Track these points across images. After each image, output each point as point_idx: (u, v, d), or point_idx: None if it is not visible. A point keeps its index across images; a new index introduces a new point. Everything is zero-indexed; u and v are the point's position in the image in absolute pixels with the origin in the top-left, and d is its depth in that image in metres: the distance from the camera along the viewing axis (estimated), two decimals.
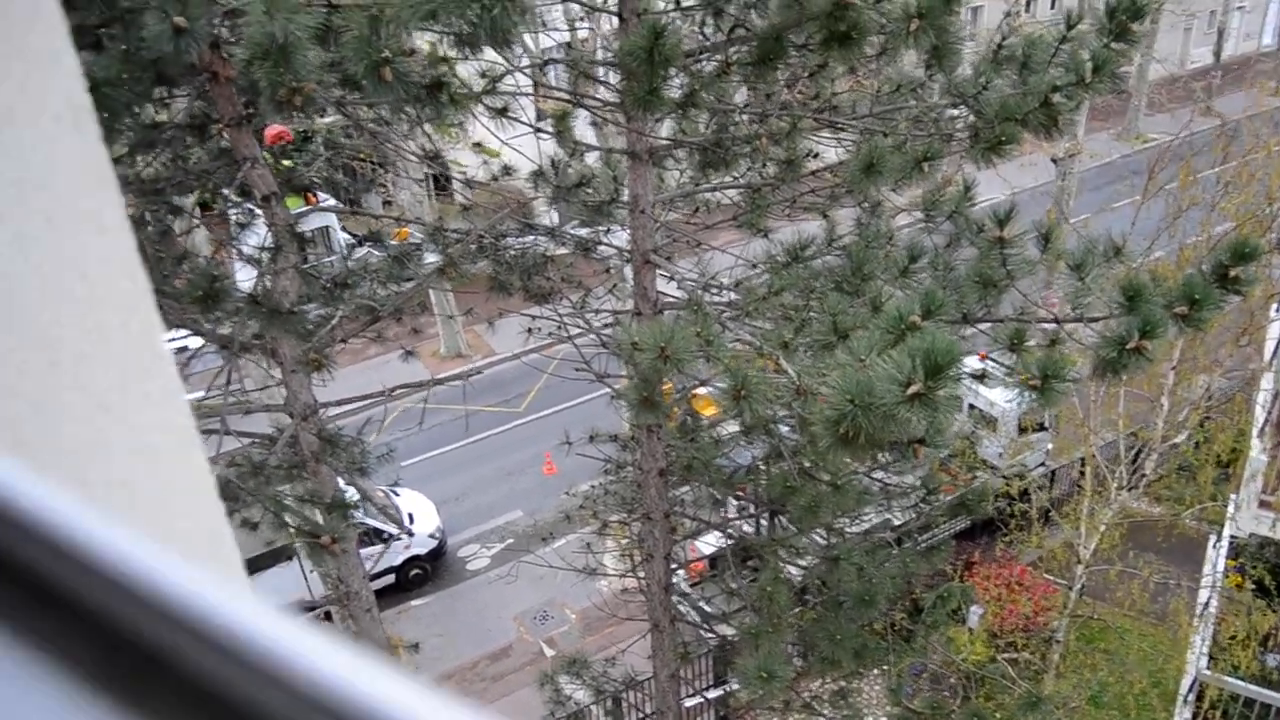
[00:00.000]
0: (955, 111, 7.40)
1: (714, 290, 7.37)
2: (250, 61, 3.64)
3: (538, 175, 6.84)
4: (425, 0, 3.68)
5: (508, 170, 7.33)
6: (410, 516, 15.94)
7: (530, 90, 6.46)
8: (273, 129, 8.63)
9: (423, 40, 4.24)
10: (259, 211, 6.66)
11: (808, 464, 8.77)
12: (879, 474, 10.20)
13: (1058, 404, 6.57)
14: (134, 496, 1.04)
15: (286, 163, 9.01)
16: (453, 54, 4.68)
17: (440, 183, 18.73)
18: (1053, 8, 33.21)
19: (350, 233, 9.12)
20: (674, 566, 10.00)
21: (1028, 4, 34.10)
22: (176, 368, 1.06)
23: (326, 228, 11.27)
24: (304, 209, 9.89)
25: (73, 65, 0.82)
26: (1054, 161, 19.67)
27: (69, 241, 0.86)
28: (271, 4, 3.57)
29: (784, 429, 8.90)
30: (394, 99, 3.86)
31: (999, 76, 7.08)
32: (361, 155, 9.28)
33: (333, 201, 10.25)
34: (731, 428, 9.81)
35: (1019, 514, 14.85)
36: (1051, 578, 15.10)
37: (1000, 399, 15.93)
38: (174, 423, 1.04)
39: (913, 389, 4.63)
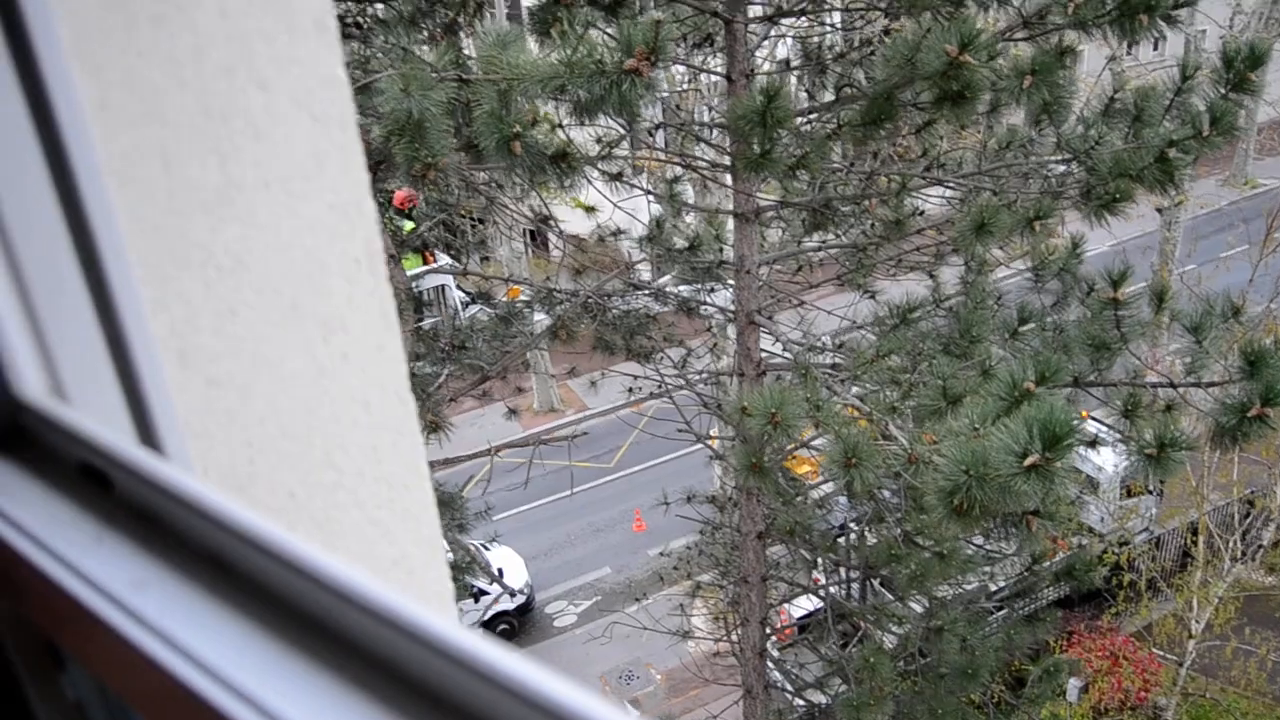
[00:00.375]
0: (1066, 167, 7.27)
1: (818, 351, 7.33)
2: (387, 137, 3.76)
3: (648, 240, 6.91)
4: (555, 75, 3.77)
5: (618, 233, 7.42)
6: (500, 571, 15.99)
7: (641, 154, 6.56)
8: (401, 192, 8.86)
9: (538, 103, 4.33)
10: None
11: (911, 530, 8.60)
12: (981, 538, 9.94)
13: (1174, 473, 6.36)
14: None
15: (408, 224, 9.24)
16: (568, 120, 4.77)
17: (536, 238, 18.99)
18: (1156, 49, 32.50)
19: (464, 290, 9.29)
20: (768, 631, 9.84)
21: (1129, 47, 33.31)
22: (429, 479, 1.09)
23: (443, 286, 11.51)
24: (422, 269, 10.12)
25: (372, 213, 0.86)
26: (1159, 211, 19.09)
27: (359, 375, 0.89)
28: (409, 82, 3.69)
29: (885, 493, 8.75)
30: (523, 170, 3.95)
31: (1111, 130, 6.96)
32: (463, 212, 9.48)
33: (448, 261, 10.46)
34: (826, 487, 9.68)
35: (1125, 584, 14.27)
36: (1159, 652, 14.46)
37: (1105, 461, 15.36)
38: (427, 536, 1.07)
39: (1030, 460, 4.51)
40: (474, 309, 7.41)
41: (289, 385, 0.85)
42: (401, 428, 0.98)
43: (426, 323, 6.80)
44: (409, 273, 6.98)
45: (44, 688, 0.71)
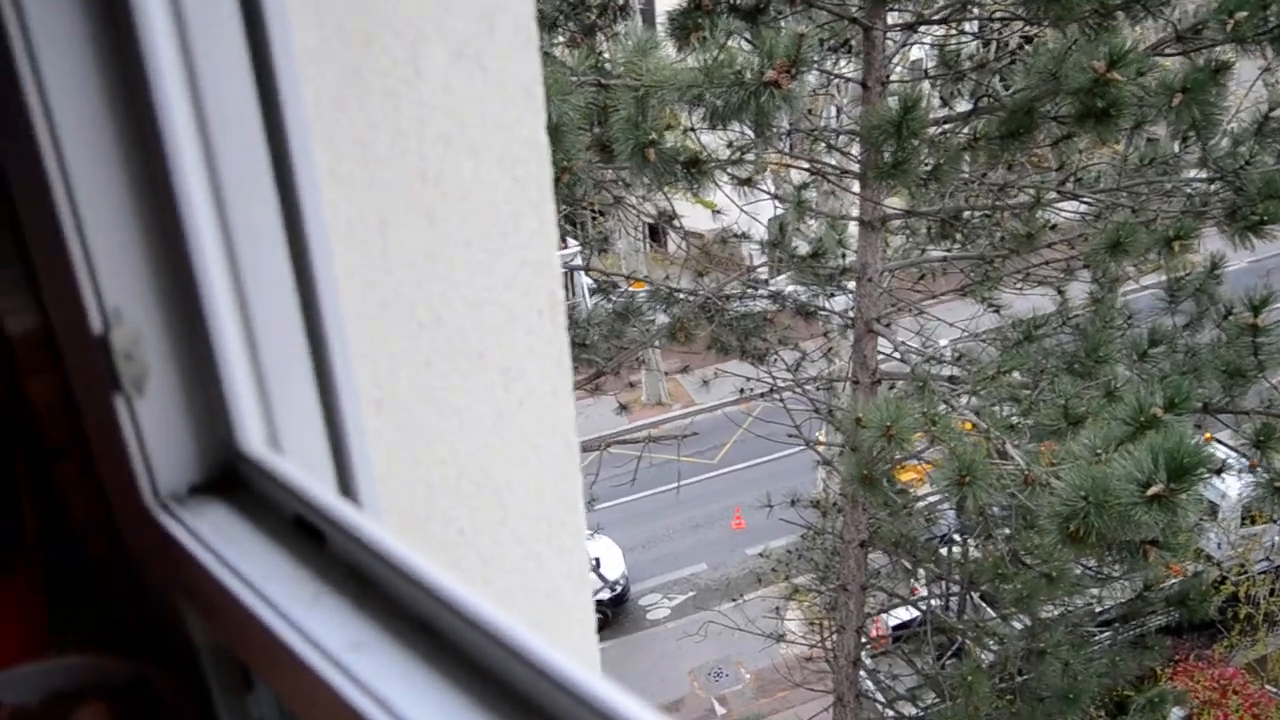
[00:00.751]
0: (1210, 186, 6.98)
1: (937, 362, 7.19)
2: None
3: (773, 245, 6.88)
4: (693, 84, 3.78)
5: (741, 236, 7.40)
6: (597, 561, 16.13)
7: (770, 159, 6.53)
8: None
9: (673, 110, 4.34)
10: None
11: (1020, 548, 8.39)
12: (1093, 561, 9.64)
13: None
14: (541, 635, 1.10)
15: None
16: (700, 124, 4.77)
17: (656, 234, 19.04)
18: None
19: (592, 278, 9.37)
20: (863, 640, 9.73)
21: None
22: (584, 515, 1.12)
23: (570, 272, 11.58)
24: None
25: (557, 267, 0.89)
26: None
27: (533, 419, 0.92)
28: (548, 86, 3.74)
29: (995, 509, 8.55)
30: (654, 174, 3.97)
31: (1263, 149, 6.66)
32: (586, 205, 9.57)
33: (577, 248, 10.48)
34: (933, 496, 9.51)
35: (1242, 615, 13.68)
36: (1272, 689, 13.82)
37: (1228, 486, 14.72)
38: (577, 569, 1.10)
39: (1153, 490, 4.36)
40: (598, 299, 7.46)
41: (470, 430, 0.88)
42: (565, 469, 1.01)
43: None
44: None
45: (236, 712, 0.76)
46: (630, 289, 7.21)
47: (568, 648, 1.17)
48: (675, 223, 7.23)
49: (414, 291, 0.78)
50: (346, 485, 0.75)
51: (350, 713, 0.56)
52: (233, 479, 0.70)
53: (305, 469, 0.73)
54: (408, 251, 0.76)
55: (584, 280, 7.15)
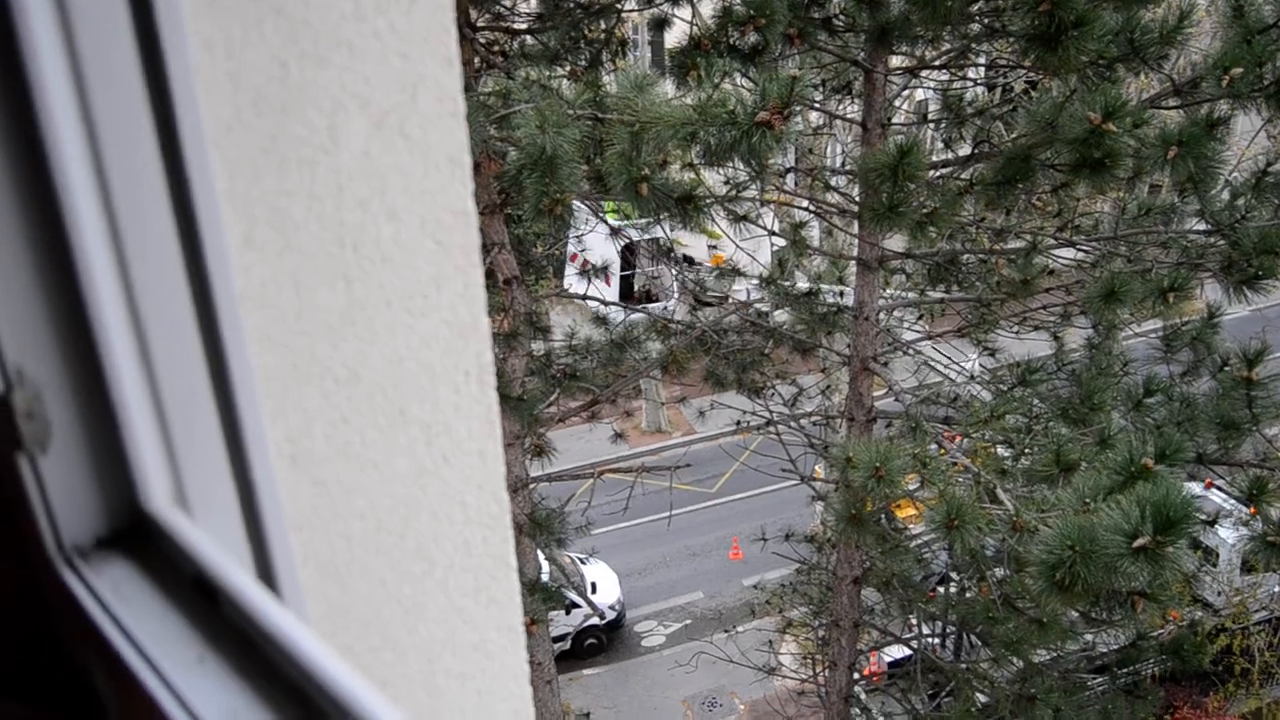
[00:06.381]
0: (1207, 238, 6.99)
1: (931, 402, 7.20)
2: (520, 169, 3.85)
3: (768, 282, 6.91)
4: (687, 122, 3.81)
5: (737, 272, 7.44)
6: (593, 586, 16.08)
7: (768, 196, 6.56)
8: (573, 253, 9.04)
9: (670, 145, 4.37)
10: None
11: (1011, 592, 8.35)
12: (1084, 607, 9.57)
13: None
14: (468, 687, 1.12)
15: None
16: (698, 160, 4.80)
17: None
18: None
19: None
20: (855, 676, 9.69)
21: None
22: (517, 573, 1.12)
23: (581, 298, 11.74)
24: (549, 293, 10.31)
25: (485, 330, 0.90)
26: None
27: (458, 476, 0.94)
28: (544, 119, 3.78)
29: (988, 551, 8.52)
30: (649, 211, 4.00)
31: (1260, 204, 6.68)
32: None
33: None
34: (927, 535, 9.48)
35: (1237, 671, 13.56)
36: None
37: (1226, 533, 14.63)
38: (508, 622, 1.11)
39: (1139, 542, 4.35)
40: (587, 331, 7.49)
41: (390, 484, 0.89)
42: (494, 524, 1.02)
43: (539, 347, 6.90)
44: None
45: None
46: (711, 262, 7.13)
47: (500, 700, 1.18)
48: (673, 255, 7.28)
49: (330, 350, 0.79)
50: (258, 539, 0.76)
51: None
52: (138, 535, 0.71)
53: (214, 524, 0.74)
54: (324, 312, 0.78)
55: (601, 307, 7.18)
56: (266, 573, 0.76)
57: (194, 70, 0.66)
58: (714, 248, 8.14)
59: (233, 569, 0.64)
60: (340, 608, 0.88)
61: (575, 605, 14.49)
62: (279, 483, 0.78)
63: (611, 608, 16.37)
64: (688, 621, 16.80)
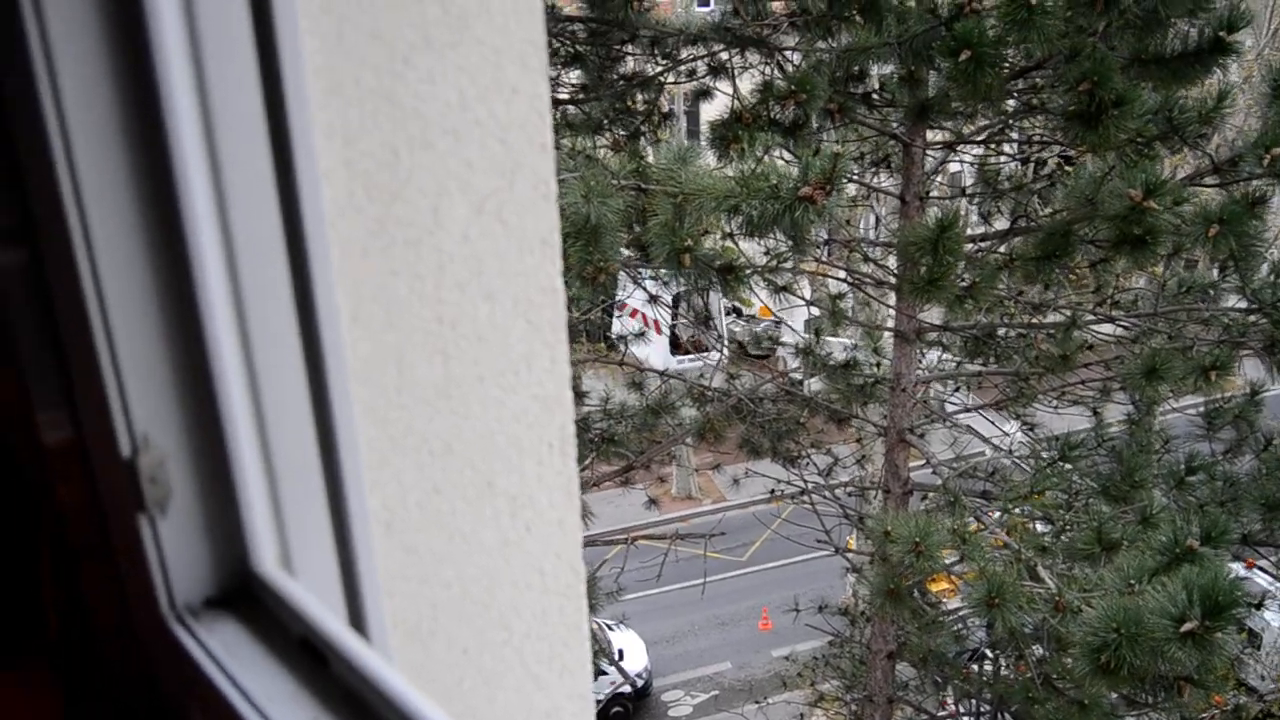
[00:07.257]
0: (1250, 316, 6.95)
1: (969, 476, 7.14)
2: (564, 237, 3.92)
3: (805, 353, 6.94)
4: (730, 195, 3.88)
5: (776, 341, 7.48)
6: (621, 653, 15.89)
7: (806, 267, 6.62)
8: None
9: (713, 218, 4.44)
10: None
11: (1051, 673, 8.19)
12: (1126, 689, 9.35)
13: None
14: None
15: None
16: (737, 232, 4.86)
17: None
18: None
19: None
20: None
21: None
22: (589, 639, 1.14)
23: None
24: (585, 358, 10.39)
25: (569, 403, 0.93)
26: None
27: (539, 545, 0.96)
28: (589, 188, 3.85)
29: (1026, 629, 8.37)
30: (690, 280, 4.05)
31: None
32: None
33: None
34: (962, 610, 9.33)
35: None
36: None
37: (1271, 616, 14.27)
38: (579, 690, 1.12)
39: (1187, 626, 4.27)
40: (622, 395, 7.53)
41: (476, 553, 0.92)
42: (569, 593, 1.04)
43: (577, 412, 6.92)
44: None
45: None
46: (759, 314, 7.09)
47: None
48: (711, 323, 7.33)
49: (426, 424, 0.83)
50: (354, 603, 0.79)
51: None
52: (245, 596, 0.74)
53: (315, 587, 0.77)
54: (422, 387, 0.81)
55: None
56: (361, 636, 0.79)
57: (316, 157, 0.70)
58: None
59: (343, 631, 0.67)
60: (425, 674, 0.90)
61: (604, 672, 14.32)
62: (375, 549, 0.81)
63: (639, 675, 16.15)
64: (716, 692, 16.54)
